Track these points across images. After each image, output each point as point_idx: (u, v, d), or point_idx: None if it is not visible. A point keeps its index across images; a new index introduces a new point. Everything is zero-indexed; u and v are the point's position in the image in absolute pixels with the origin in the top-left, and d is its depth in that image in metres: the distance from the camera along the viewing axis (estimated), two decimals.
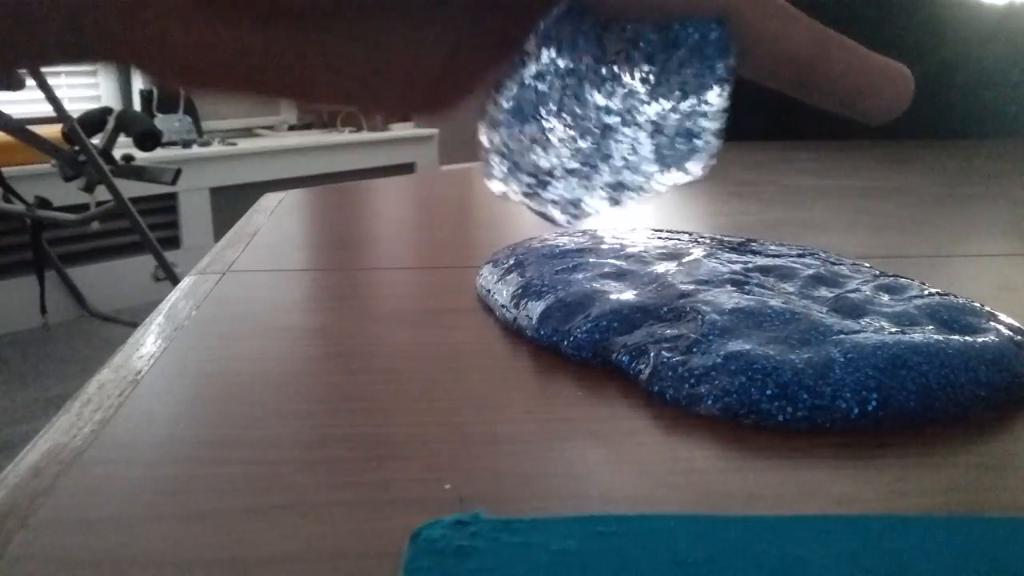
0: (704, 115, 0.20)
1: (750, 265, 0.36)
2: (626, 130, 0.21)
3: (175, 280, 2.25)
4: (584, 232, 0.43)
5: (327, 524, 0.20)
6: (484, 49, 0.21)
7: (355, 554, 0.19)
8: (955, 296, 0.32)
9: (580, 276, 0.35)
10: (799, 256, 0.38)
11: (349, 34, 0.20)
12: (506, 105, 0.21)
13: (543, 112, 0.21)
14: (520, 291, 0.35)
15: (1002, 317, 0.31)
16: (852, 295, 0.32)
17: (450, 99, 0.21)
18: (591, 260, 0.37)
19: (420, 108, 0.21)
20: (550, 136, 0.22)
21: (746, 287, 0.33)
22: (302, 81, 0.20)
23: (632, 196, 0.23)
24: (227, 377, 0.30)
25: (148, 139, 2.39)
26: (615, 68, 0.20)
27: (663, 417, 0.26)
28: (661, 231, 0.44)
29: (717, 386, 0.26)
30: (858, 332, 0.28)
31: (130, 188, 2.30)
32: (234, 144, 3.16)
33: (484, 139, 0.22)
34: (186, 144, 3.04)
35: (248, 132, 3.40)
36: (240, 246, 0.49)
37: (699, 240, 0.42)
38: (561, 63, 0.21)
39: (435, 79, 0.21)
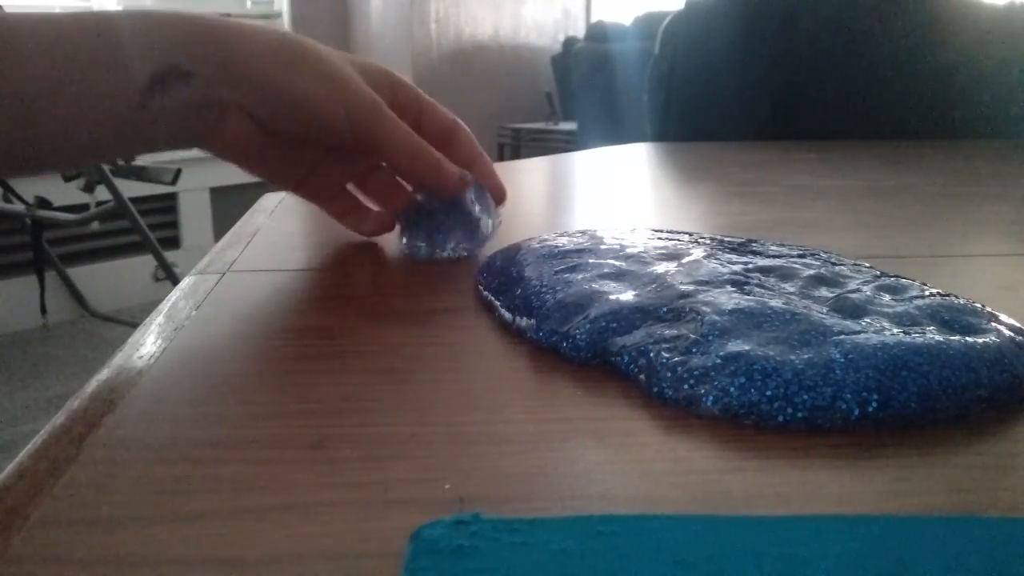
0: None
1: (750, 265, 0.36)
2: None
3: (175, 280, 2.25)
4: (583, 232, 0.43)
5: (327, 524, 0.20)
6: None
7: (355, 554, 0.19)
8: (956, 296, 0.32)
9: (579, 276, 0.35)
10: (799, 256, 0.38)
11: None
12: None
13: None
14: (520, 291, 0.35)
15: (1002, 317, 0.31)
16: (853, 295, 0.32)
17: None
18: (590, 261, 0.37)
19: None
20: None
21: (746, 287, 0.33)
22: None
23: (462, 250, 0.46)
24: (227, 377, 0.30)
25: None
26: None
27: (663, 417, 0.26)
28: (661, 231, 0.44)
29: (717, 386, 0.26)
30: (859, 333, 0.28)
31: (130, 188, 2.30)
32: None
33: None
34: None
35: None
36: (240, 246, 0.49)
37: (699, 240, 0.42)
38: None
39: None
